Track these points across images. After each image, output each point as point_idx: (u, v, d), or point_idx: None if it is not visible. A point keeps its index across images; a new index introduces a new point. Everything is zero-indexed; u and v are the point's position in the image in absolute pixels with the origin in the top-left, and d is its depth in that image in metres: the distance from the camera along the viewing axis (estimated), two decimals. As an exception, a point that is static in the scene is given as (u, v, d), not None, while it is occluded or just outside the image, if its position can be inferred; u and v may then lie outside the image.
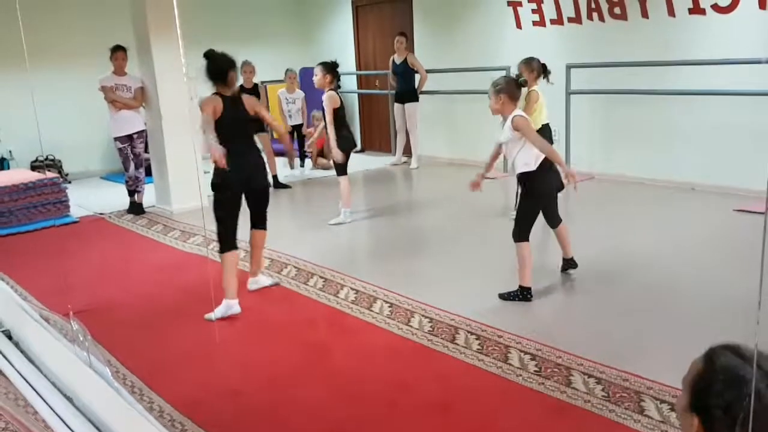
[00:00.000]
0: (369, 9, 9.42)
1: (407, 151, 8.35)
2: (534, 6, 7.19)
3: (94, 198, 7.16)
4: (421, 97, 8.05)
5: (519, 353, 3.08)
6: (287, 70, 7.94)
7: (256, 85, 7.27)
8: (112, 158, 8.47)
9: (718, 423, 1.13)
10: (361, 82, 9.79)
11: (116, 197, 6.89)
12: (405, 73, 7.97)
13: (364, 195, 6.89)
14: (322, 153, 8.21)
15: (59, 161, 8.19)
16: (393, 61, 8.04)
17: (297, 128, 7.96)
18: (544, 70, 5.37)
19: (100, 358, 2.56)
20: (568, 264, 4.08)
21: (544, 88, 5.32)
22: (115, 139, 6.35)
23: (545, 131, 5.17)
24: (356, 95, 9.86)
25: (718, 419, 1.13)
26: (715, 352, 1.20)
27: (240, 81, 7.07)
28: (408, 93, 8.00)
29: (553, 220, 3.97)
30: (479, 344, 3.19)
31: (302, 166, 8.22)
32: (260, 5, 9.82)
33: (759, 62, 5.32)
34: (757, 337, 1.07)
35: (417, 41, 8.60)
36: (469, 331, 3.34)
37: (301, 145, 8.16)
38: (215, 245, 4.34)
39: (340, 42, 9.80)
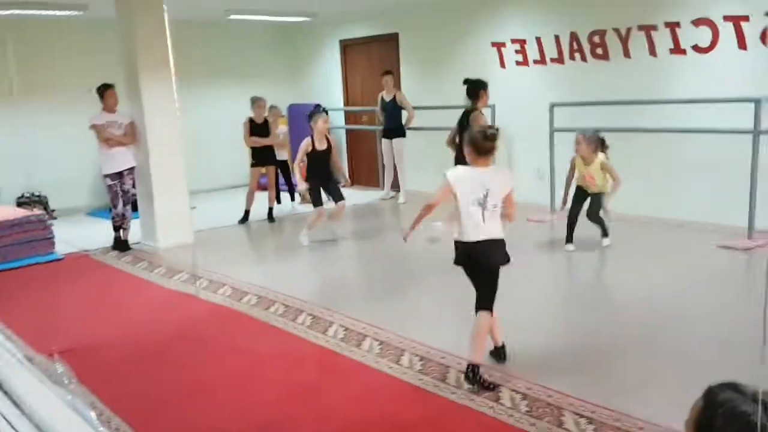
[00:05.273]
0: (356, 47, 9.56)
1: (395, 186, 8.41)
2: (517, 47, 7.33)
3: (80, 234, 7.09)
4: (408, 132, 8.15)
5: (510, 392, 3.06)
6: (271, 106, 7.91)
7: (266, 120, 7.35)
8: (97, 194, 8.43)
9: None
10: (349, 118, 9.89)
11: (101, 233, 6.84)
12: (393, 110, 8.08)
13: (352, 229, 6.89)
14: None
15: (45, 197, 8.12)
16: (382, 98, 8.15)
17: (281, 163, 7.94)
18: (602, 144, 5.36)
19: (85, 401, 2.51)
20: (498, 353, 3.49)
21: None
22: (106, 176, 6.30)
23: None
24: (344, 131, 9.95)
25: None
26: (714, 390, 1.22)
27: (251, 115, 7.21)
28: (395, 129, 8.11)
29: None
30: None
31: (293, 200, 8.33)
32: (249, 43, 9.93)
33: (739, 101, 5.42)
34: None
35: (403, 78, 8.73)
36: (459, 370, 3.31)
37: (289, 180, 8.28)
38: (202, 282, 4.27)
39: (328, 79, 9.93)
